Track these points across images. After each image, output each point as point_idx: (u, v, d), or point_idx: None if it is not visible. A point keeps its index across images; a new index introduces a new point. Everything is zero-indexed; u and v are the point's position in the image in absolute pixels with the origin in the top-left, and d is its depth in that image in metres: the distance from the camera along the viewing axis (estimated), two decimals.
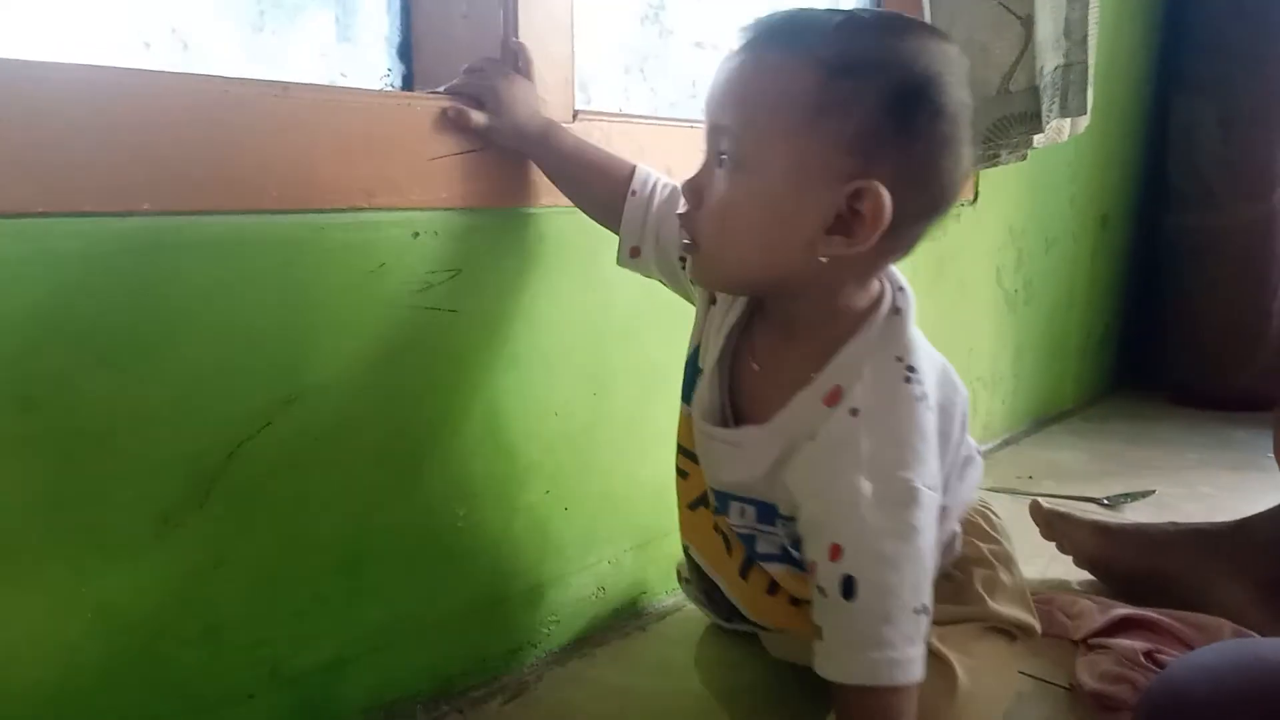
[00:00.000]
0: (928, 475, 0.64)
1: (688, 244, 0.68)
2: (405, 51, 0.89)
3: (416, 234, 0.76)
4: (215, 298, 0.66)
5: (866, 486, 0.62)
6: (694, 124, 0.80)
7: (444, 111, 0.77)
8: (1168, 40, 1.98)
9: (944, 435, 0.68)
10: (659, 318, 0.95)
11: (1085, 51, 1.14)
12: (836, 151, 0.61)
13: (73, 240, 0.59)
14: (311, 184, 0.70)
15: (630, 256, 0.82)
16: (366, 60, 0.90)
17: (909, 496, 0.63)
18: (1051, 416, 1.85)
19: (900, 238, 0.65)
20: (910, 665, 0.62)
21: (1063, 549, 1.08)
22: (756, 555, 0.74)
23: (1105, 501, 1.34)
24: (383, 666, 0.79)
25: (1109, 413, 1.91)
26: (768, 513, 0.71)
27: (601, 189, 0.81)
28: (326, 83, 0.76)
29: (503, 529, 0.87)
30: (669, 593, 1.03)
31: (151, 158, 0.62)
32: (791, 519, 0.69)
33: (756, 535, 0.73)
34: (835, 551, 0.63)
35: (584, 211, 0.84)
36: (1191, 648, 0.84)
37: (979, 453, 0.80)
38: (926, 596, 0.64)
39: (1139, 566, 1.01)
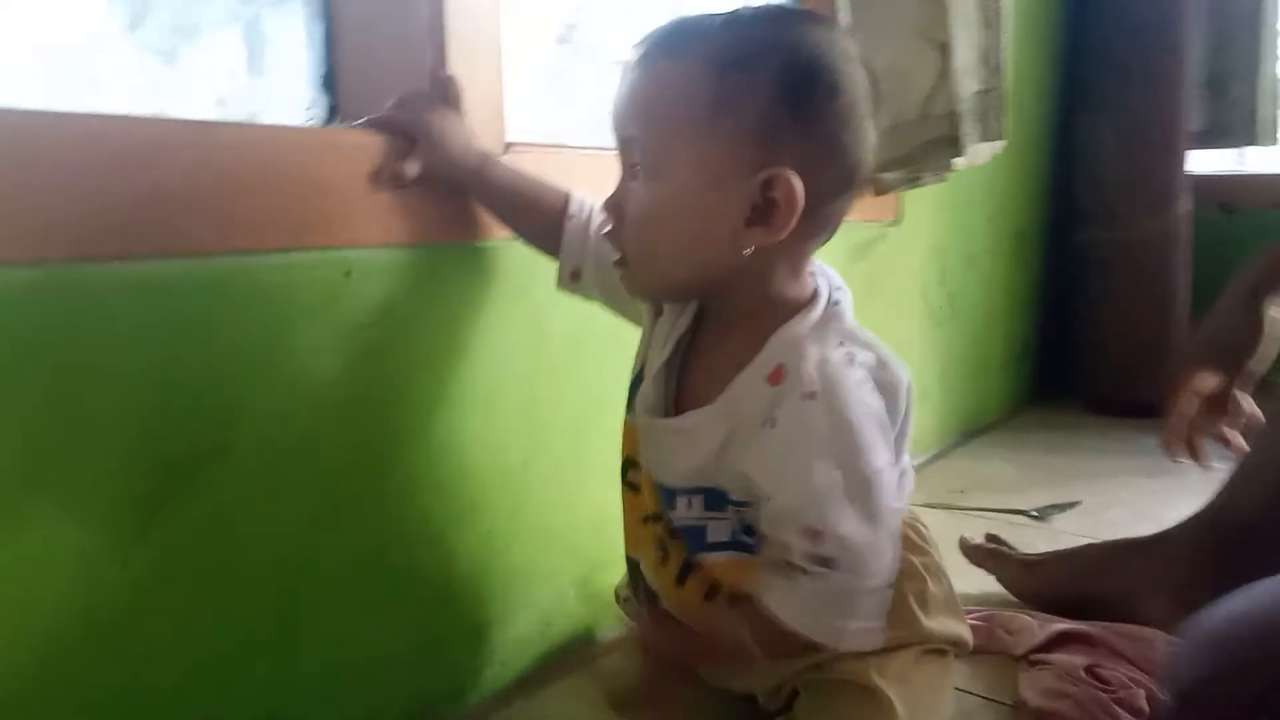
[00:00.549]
0: (881, 456, 0.67)
1: (618, 259, 0.70)
2: (329, 83, 0.87)
3: (349, 272, 0.74)
4: (137, 345, 0.62)
5: (836, 475, 0.65)
6: None
7: (377, 151, 0.75)
8: (1070, 61, 2.05)
9: (892, 411, 0.70)
10: (594, 348, 0.94)
11: (1001, 78, 1.17)
12: (740, 145, 0.63)
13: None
14: (237, 224, 0.67)
15: (571, 280, 0.81)
16: (282, 93, 0.87)
17: (872, 483, 0.66)
18: (978, 428, 1.89)
19: (820, 218, 0.67)
20: (875, 635, 0.69)
21: (999, 580, 1.10)
22: (705, 546, 0.74)
23: (1034, 514, 1.37)
24: (320, 717, 0.75)
25: (1031, 423, 1.96)
26: (717, 499, 0.72)
27: (539, 216, 0.81)
28: (245, 119, 0.73)
29: (443, 570, 0.84)
30: (614, 625, 1.02)
31: (66, 203, 0.58)
32: (743, 504, 0.70)
33: (706, 525, 0.73)
34: (812, 534, 0.66)
35: (523, 240, 0.83)
36: (1129, 660, 0.86)
37: (910, 467, 0.80)
38: (891, 574, 0.70)
39: (1067, 593, 1.02)
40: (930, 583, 0.80)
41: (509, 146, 0.86)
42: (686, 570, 0.76)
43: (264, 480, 0.70)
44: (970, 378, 1.86)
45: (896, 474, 0.70)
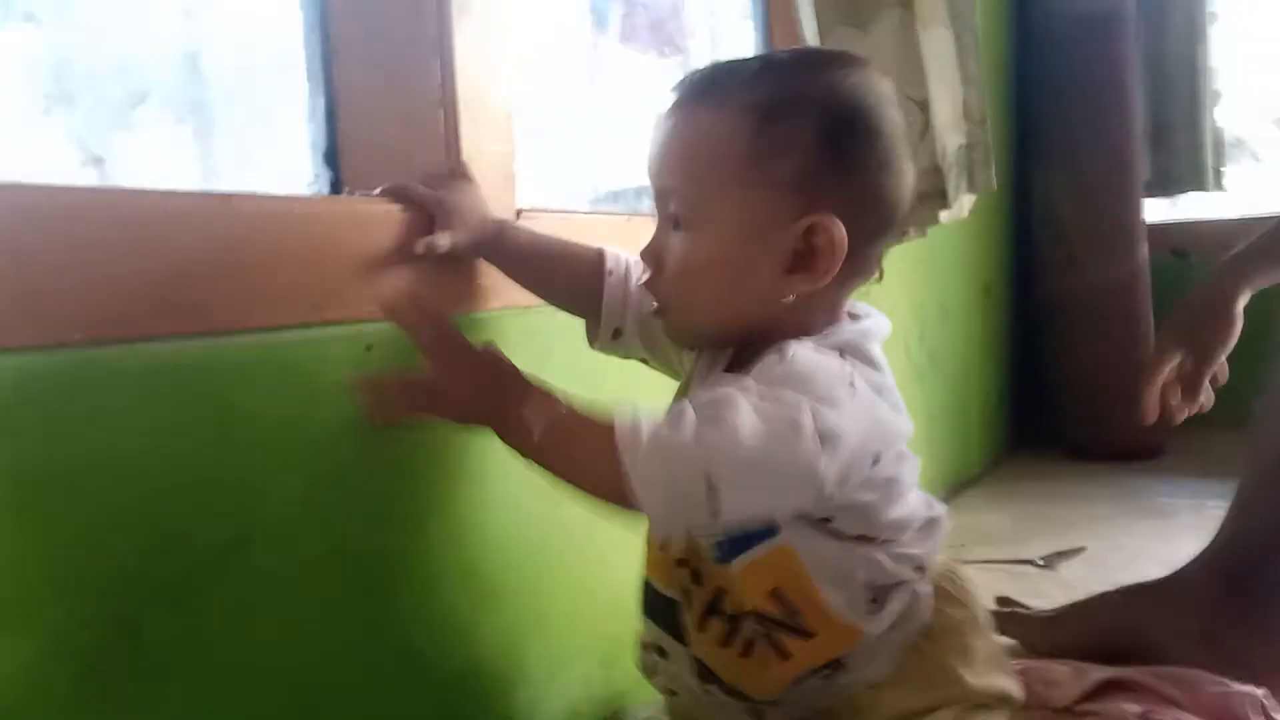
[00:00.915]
0: (829, 418, 0.58)
1: (656, 309, 0.69)
2: (331, 157, 0.85)
3: (369, 347, 0.71)
4: (155, 432, 0.58)
5: (753, 384, 0.59)
6: (635, 215, 0.79)
7: (397, 222, 0.73)
8: (1021, 117, 2.12)
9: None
10: None
11: (984, 130, 1.19)
12: (781, 193, 0.63)
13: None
14: (257, 300, 0.64)
15: (612, 339, 0.79)
16: (280, 165, 0.85)
17: (793, 409, 0.57)
18: (963, 481, 1.89)
19: (858, 261, 0.66)
20: (657, 498, 0.57)
21: (1019, 641, 1.08)
22: (737, 548, 0.67)
23: (1040, 562, 1.36)
24: None
25: (1014, 474, 1.96)
26: None
27: (571, 276, 0.78)
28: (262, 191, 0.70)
29: (470, 659, 0.79)
30: (642, 705, 0.97)
31: (82, 281, 0.55)
32: None
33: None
34: (712, 411, 0.57)
35: (553, 302, 0.81)
36: (1177, 704, 0.84)
37: (944, 513, 0.77)
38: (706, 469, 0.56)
39: (1090, 644, 1.00)
40: (970, 637, 0.77)
41: (520, 213, 0.84)
42: (709, 613, 0.71)
43: (285, 574, 0.66)
44: (952, 431, 1.86)
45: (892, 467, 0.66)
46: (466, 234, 0.75)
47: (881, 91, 0.66)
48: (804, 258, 0.64)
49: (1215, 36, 2.13)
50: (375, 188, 0.76)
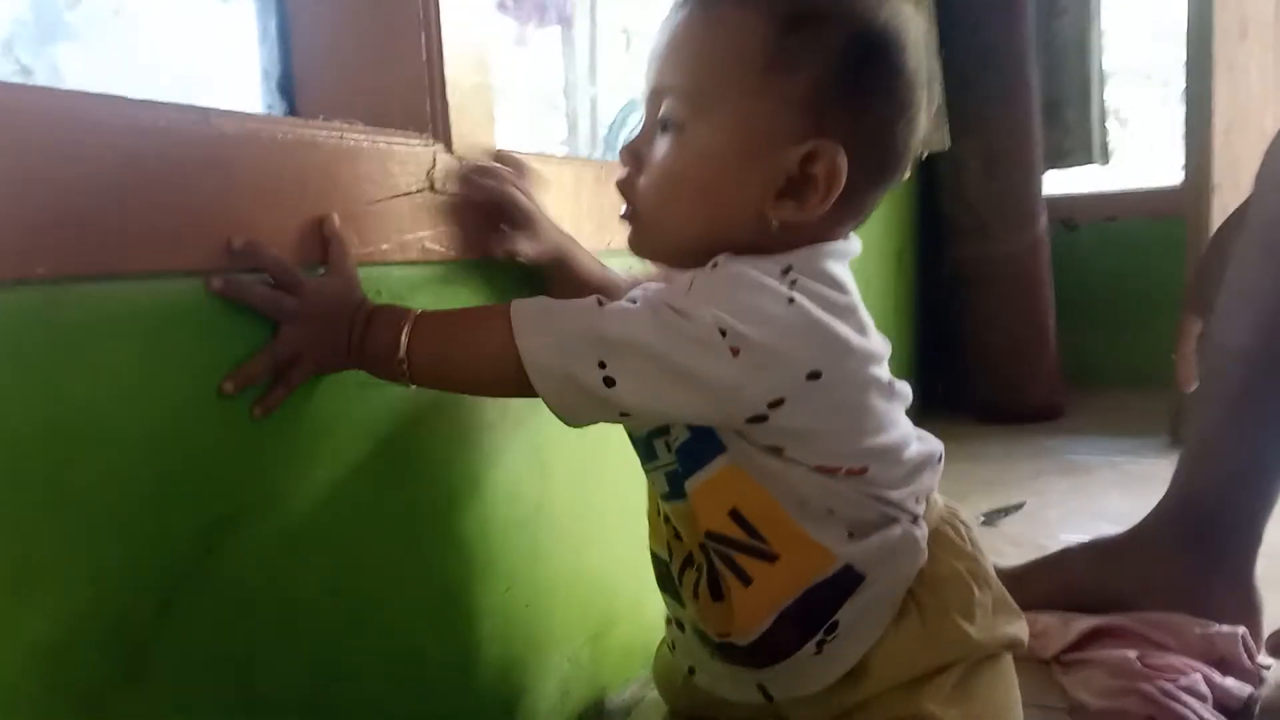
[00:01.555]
0: (737, 327, 0.55)
1: (627, 210, 0.64)
2: (285, 85, 0.75)
3: (379, 292, 0.63)
4: (137, 388, 0.49)
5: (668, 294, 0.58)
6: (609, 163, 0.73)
7: (419, 162, 0.66)
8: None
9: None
10: None
11: (937, 91, 1.18)
12: (787, 110, 0.59)
13: None
14: (246, 235, 0.54)
15: None
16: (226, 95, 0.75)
17: (700, 320, 0.55)
18: None
19: (852, 204, 0.62)
20: (547, 360, 0.56)
21: None
22: (690, 470, 0.63)
23: (983, 519, 1.38)
24: None
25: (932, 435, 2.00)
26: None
27: None
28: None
29: (469, 643, 0.72)
30: (627, 683, 0.92)
31: (46, 206, 0.45)
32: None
33: (685, 446, 0.63)
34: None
35: None
36: (1169, 649, 0.85)
37: (938, 451, 0.72)
38: (602, 354, 0.56)
39: (1058, 603, 1.00)
40: (977, 589, 0.75)
41: (498, 155, 0.77)
42: (686, 564, 0.68)
43: (282, 558, 0.57)
44: None
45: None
46: (543, 248, 0.73)
47: (915, 31, 0.62)
48: (797, 184, 0.59)
49: (1106, 13, 2.21)
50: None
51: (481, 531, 0.73)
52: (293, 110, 0.75)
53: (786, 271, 0.59)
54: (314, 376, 0.58)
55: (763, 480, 0.62)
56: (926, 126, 0.64)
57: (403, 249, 0.65)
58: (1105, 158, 2.27)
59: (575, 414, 0.59)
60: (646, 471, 0.69)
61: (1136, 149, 2.41)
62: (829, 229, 0.63)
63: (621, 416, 0.59)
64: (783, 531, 0.63)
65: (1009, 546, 1.25)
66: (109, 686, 0.48)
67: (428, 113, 0.70)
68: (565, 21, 1.62)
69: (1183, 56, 1.75)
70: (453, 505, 0.71)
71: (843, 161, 0.59)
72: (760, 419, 0.58)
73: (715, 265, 0.59)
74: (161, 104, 0.51)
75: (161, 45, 0.67)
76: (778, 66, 0.58)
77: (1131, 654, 0.84)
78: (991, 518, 1.39)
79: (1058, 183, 2.35)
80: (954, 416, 2.12)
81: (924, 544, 0.68)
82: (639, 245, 0.66)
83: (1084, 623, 0.91)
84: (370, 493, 0.63)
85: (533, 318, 0.57)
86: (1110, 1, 2.24)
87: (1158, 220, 2.27)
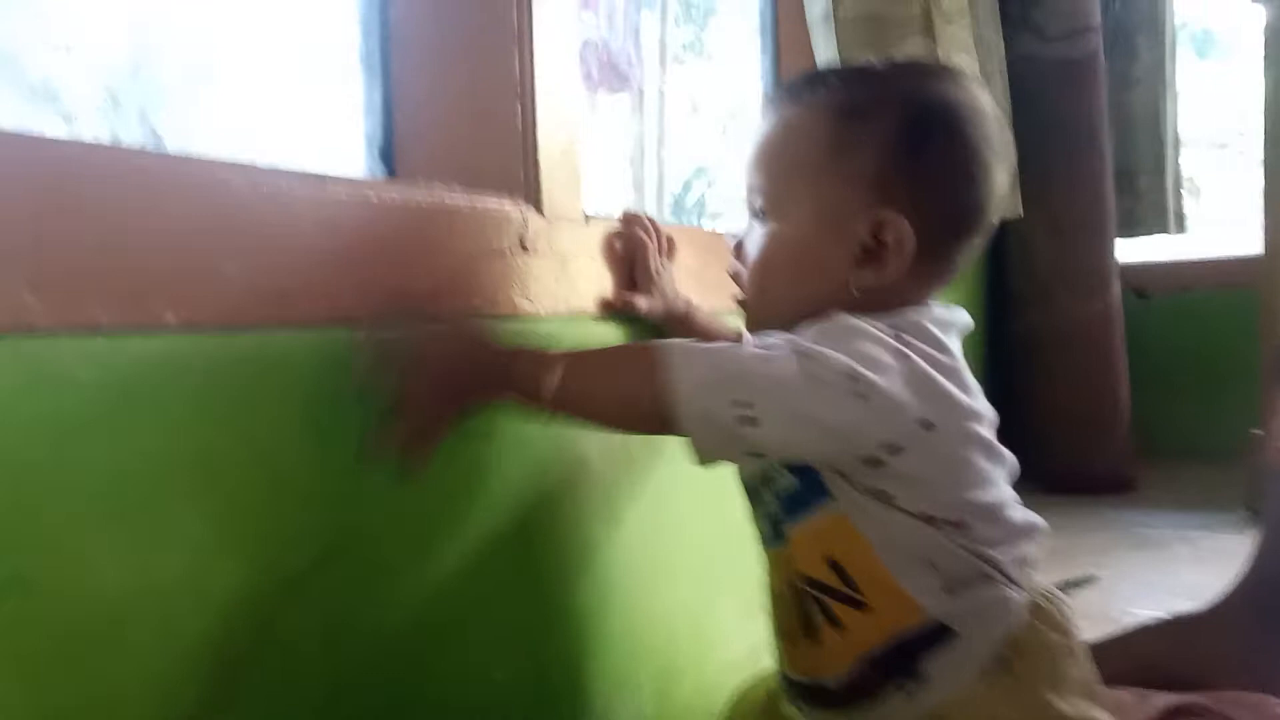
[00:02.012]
0: (861, 371, 0.58)
1: (739, 299, 0.72)
2: (387, 153, 0.80)
3: None
4: (243, 434, 0.52)
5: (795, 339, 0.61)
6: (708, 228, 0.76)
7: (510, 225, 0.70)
8: None
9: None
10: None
11: (1010, 156, 1.20)
12: (854, 187, 0.65)
13: (80, 365, 0.45)
14: (348, 291, 0.58)
15: None
16: (329, 161, 0.79)
17: (831, 358, 0.58)
18: None
19: (935, 262, 0.67)
20: (711, 421, 0.59)
21: None
22: (792, 513, 0.66)
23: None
24: None
25: None
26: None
27: None
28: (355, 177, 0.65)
29: (528, 684, 0.74)
30: None
31: (173, 252, 0.49)
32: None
33: (792, 492, 0.65)
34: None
35: None
36: None
37: (1041, 526, 0.73)
38: (746, 395, 0.58)
39: (1130, 676, 0.97)
40: (1065, 663, 0.74)
41: (588, 218, 0.80)
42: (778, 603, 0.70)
43: (372, 592, 0.60)
44: None
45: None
46: (664, 304, 0.83)
47: (970, 100, 0.67)
48: (873, 253, 0.65)
49: (1180, 80, 2.21)
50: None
51: (553, 574, 0.75)
52: (392, 175, 0.79)
53: (893, 328, 0.63)
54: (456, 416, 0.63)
55: (864, 529, 0.64)
56: (1003, 187, 0.69)
57: (494, 305, 0.69)
58: (1179, 226, 2.24)
59: (711, 452, 0.61)
60: (753, 518, 0.72)
61: (1210, 218, 2.37)
62: (914, 291, 0.67)
63: (753, 456, 0.63)
64: (878, 585, 0.65)
65: (1081, 620, 1.22)
66: (205, 712, 0.50)
67: (520, 177, 0.74)
68: (637, 89, 1.67)
69: (1257, 124, 1.75)
70: (529, 547, 0.73)
71: (905, 226, 0.64)
72: (877, 463, 0.61)
73: (830, 319, 0.63)
74: (283, 171, 0.55)
75: (277, 111, 0.72)
76: (841, 149, 0.65)
77: None
78: (1064, 590, 1.35)
79: (1131, 252, 2.34)
80: (1021, 486, 2.08)
81: (1020, 609, 0.68)
82: (751, 326, 0.72)
83: (1162, 700, 0.89)
84: (455, 537, 0.66)
85: (678, 356, 0.60)
86: (1186, 70, 2.24)
87: (1231, 290, 2.23)
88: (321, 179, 0.57)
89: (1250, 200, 1.89)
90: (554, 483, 0.75)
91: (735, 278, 0.72)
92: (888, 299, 0.66)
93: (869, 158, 0.65)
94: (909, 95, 0.66)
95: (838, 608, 0.66)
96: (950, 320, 0.69)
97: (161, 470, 0.48)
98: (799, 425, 0.59)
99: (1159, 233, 2.24)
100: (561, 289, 0.74)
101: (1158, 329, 2.30)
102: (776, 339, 0.62)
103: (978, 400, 0.66)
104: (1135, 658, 1.00)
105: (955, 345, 0.68)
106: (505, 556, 0.70)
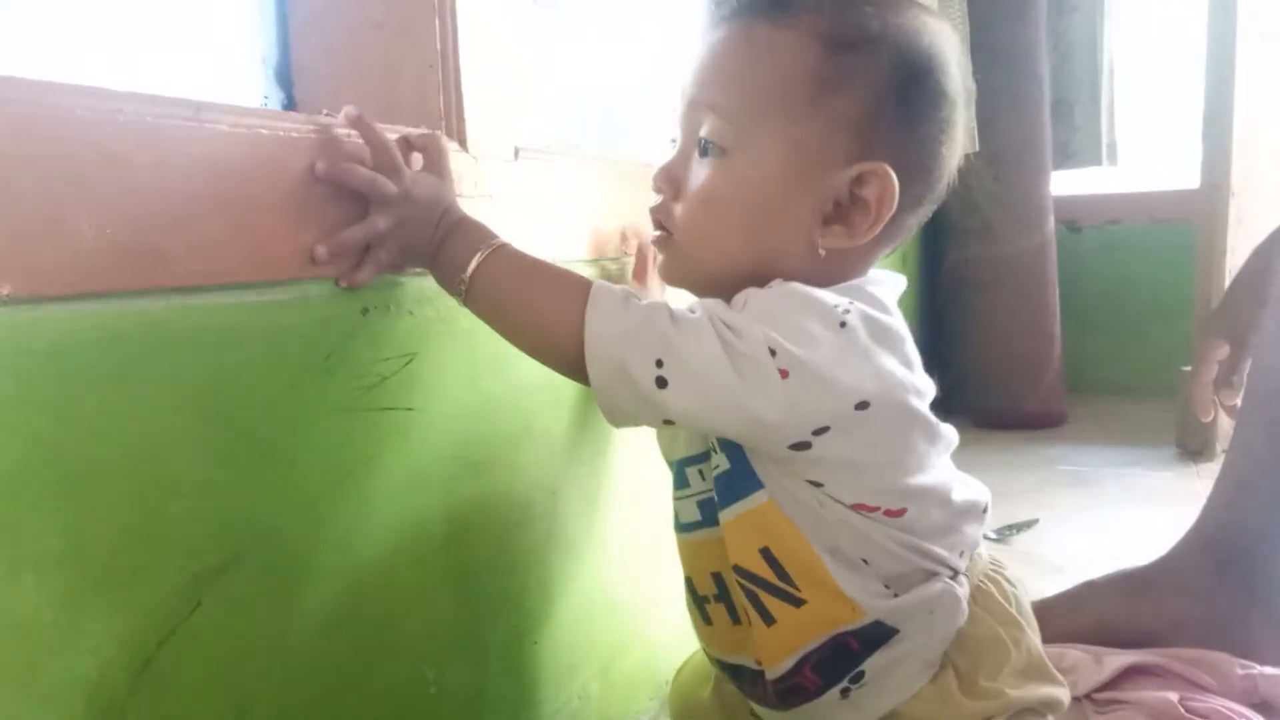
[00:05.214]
0: (790, 348, 0.52)
1: (660, 235, 0.62)
2: (284, 74, 0.68)
3: (366, 310, 0.56)
4: (108, 426, 0.43)
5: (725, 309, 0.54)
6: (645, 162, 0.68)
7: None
8: None
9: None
10: None
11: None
12: (837, 133, 0.57)
13: None
14: (238, 248, 0.48)
15: None
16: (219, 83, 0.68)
17: (756, 337, 0.51)
18: None
19: (895, 227, 0.60)
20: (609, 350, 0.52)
21: None
22: (724, 500, 0.60)
23: (993, 536, 1.33)
24: None
25: None
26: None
27: None
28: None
29: (476, 684, 0.67)
30: (636, 716, 0.86)
31: (6, 217, 0.39)
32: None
33: (723, 475, 0.60)
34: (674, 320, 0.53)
35: None
36: (1211, 691, 0.81)
37: (985, 500, 0.69)
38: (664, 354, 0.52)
39: (1083, 635, 0.95)
40: (1010, 649, 0.70)
41: (518, 152, 0.71)
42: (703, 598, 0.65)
43: (274, 604, 0.51)
44: None
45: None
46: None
47: (956, 50, 0.60)
48: (844, 209, 0.58)
49: (1115, 11, 2.17)
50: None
51: (490, 562, 0.68)
52: (291, 101, 0.68)
53: (847, 296, 0.56)
54: (393, 267, 0.57)
55: (798, 520, 0.59)
56: (964, 142, 0.62)
57: None
58: (1112, 159, 2.23)
59: (619, 410, 0.54)
60: (675, 500, 0.65)
61: (1144, 150, 2.35)
62: (867, 256, 0.61)
63: (665, 423, 0.55)
64: (813, 578, 0.59)
65: (1022, 565, 1.21)
66: None
67: (440, 107, 0.64)
68: None
69: (1194, 55, 1.71)
70: (463, 536, 0.65)
71: (894, 183, 0.57)
72: (803, 446, 0.54)
73: (771, 286, 0.56)
74: (145, 96, 0.45)
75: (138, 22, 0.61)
76: (825, 87, 0.57)
77: (1173, 696, 0.79)
78: (1003, 534, 1.34)
79: (1064, 184, 2.32)
80: (951, 421, 2.08)
81: (965, 602, 0.63)
82: (672, 272, 0.63)
83: (1117, 659, 0.86)
84: (375, 527, 0.57)
85: (610, 302, 0.53)
86: None
87: (1164, 225, 2.23)
88: (196, 106, 0.47)
89: (1187, 133, 1.87)
90: (487, 455, 0.67)
91: (659, 211, 0.61)
92: (843, 266, 0.59)
93: (857, 100, 0.57)
94: (905, 35, 0.58)
95: (770, 601, 0.60)
96: (889, 280, 0.62)
97: (4, 480, 0.39)
98: (711, 396, 0.52)
99: (1093, 165, 2.21)
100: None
101: (1089, 263, 2.30)
102: (700, 305, 0.55)
103: (918, 374, 0.59)
104: (1089, 615, 0.97)
105: (894, 305, 0.60)
106: (431, 549, 0.62)
